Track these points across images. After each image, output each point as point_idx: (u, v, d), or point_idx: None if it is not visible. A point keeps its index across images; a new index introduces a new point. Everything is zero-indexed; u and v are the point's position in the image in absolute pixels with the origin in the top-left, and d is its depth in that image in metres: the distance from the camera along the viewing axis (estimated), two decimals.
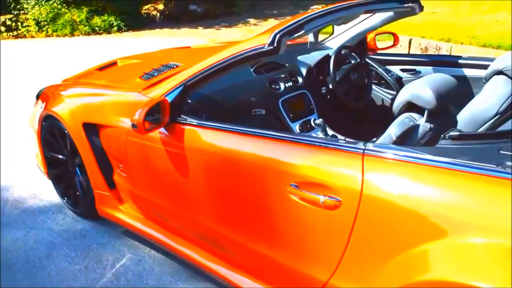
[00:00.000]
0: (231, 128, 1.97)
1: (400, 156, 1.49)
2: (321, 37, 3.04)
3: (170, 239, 2.42)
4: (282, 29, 1.87)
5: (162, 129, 2.19)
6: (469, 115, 2.12)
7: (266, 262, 1.95)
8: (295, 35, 1.93)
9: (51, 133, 3.02)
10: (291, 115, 2.71)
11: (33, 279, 2.52)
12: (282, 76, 2.78)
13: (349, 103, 2.83)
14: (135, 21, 11.41)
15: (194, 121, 2.12)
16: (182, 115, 2.17)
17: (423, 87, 1.76)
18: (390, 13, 2.72)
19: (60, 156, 3.04)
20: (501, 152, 1.42)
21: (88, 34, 10.92)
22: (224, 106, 2.48)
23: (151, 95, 2.30)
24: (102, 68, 3.42)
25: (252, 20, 11.54)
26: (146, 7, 12.23)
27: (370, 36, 3.22)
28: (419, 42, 7.13)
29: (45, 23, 10.97)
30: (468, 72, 2.74)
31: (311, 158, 1.68)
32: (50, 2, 11.07)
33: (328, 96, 2.87)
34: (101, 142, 2.66)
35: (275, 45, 1.85)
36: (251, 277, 2.05)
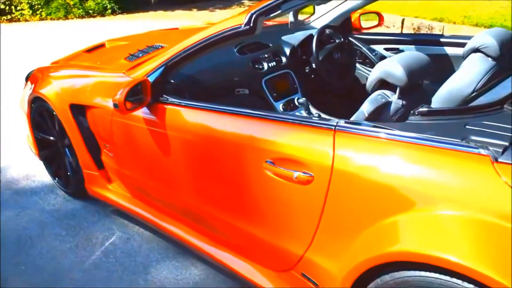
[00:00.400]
0: (210, 107, 2.01)
1: (370, 132, 1.53)
2: (303, 16, 3.06)
3: (156, 217, 2.49)
4: (258, 9, 1.90)
5: (145, 109, 2.23)
6: (447, 93, 2.16)
7: (245, 237, 2.01)
8: (272, 15, 1.96)
9: (40, 115, 3.06)
10: (274, 94, 2.75)
11: (24, 256, 2.59)
12: (266, 56, 2.81)
13: (332, 82, 2.86)
14: (129, 3, 11.36)
15: (176, 101, 2.16)
16: (164, 95, 2.21)
17: (394, 65, 1.79)
18: None
19: (50, 138, 3.09)
20: (467, 127, 1.47)
21: (82, 17, 10.89)
22: (207, 86, 2.51)
23: (134, 75, 2.34)
24: (90, 50, 3.44)
25: (246, 2, 11.49)
26: None
27: (354, 16, 3.25)
28: (412, 22, 7.13)
29: (39, 6, 10.94)
30: (450, 50, 2.77)
31: (286, 135, 1.72)
32: None
33: (312, 76, 2.91)
34: (88, 123, 2.70)
35: (251, 25, 1.88)
36: (232, 252, 2.12)
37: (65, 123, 2.79)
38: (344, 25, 3.17)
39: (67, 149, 2.99)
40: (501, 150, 1.30)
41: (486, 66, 2.18)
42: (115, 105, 2.09)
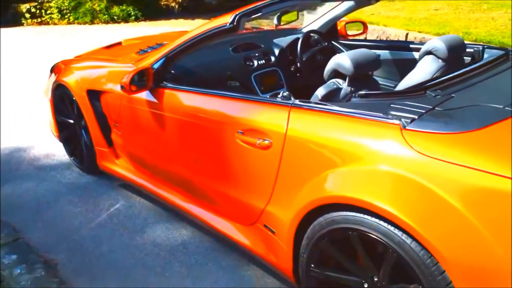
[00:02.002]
0: (198, 90, 2.46)
1: (316, 108, 1.95)
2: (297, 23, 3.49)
3: (154, 186, 2.92)
4: (242, 11, 2.34)
5: (147, 93, 2.68)
6: (402, 87, 2.56)
7: (222, 197, 2.42)
8: (253, 16, 2.39)
9: (62, 100, 3.54)
10: (262, 87, 3.17)
11: (41, 216, 3.05)
12: (257, 54, 3.25)
13: (314, 79, 3.26)
14: (152, 11, 11.95)
15: (172, 86, 2.60)
16: (164, 82, 2.65)
17: (344, 58, 2.21)
18: (351, 3, 3.16)
19: (69, 120, 3.56)
20: (391, 105, 1.86)
21: (107, 22, 11.50)
22: (203, 77, 2.95)
23: (140, 65, 2.79)
24: (108, 46, 3.94)
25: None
26: None
27: (340, 24, 3.66)
28: (415, 36, 7.49)
29: (67, 11, 11.58)
30: (417, 54, 3.15)
31: (254, 111, 2.15)
32: None
33: (297, 74, 3.33)
34: (101, 106, 3.16)
35: (235, 23, 2.31)
36: (213, 212, 2.53)
37: (82, 107, 3.26)
38: (330, 31, 3.59)
39: (83, 130, 3.45)
40: (409, 121, 1.69)
41: (436, 66, 2.57)
42: (122, 87, 2.55)
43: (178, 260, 2.57)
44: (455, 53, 2.54)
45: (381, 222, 1.63)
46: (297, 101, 2.02)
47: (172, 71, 2.80)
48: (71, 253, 2.66)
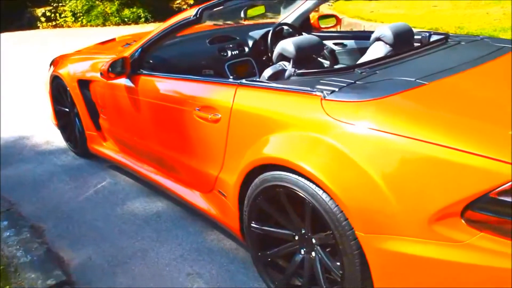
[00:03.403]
0: (165, 75, 2.77)
1: (258, 85, 2.24)
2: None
3: (134, 164, 3.24)
4: (205, 5, 2.64)
5: (126, 80, 2.99)
6: None
7: (186, 169, 2.73)
8: (215, 9, 2.69)
9: (58, 90, 3.90)
10: (234, 75, 3.46)
11: (36, 192, 3.41)
12: (231, 46, 3.55)
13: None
14: (162, 13, 12.37)
15: (146, 72, 2.92)
16: (141, 70, 2.97)
17: (288, 43, 2.49)
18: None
19: (65, 109, 3.91)
20: (320, 81, 2.12)
21: (118, 24, 11.96)
22: (179, 66, 3.25)
23: (118, 55, 3.11)
24: (103, 42, 4.29)
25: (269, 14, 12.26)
26: (178, 1, 13.20)
27: (314, 18, 3.94)
28: None
29: (80, 14, 12.09)
30: None
31: (208, 90, 2.46)
32: None
33: (270, 63, 3.60)
34: (90, 94, 3.50)
35: (198, 16, 2.61)
36: (180, 183, 2.83)
37: (74, 95, 3.60)
38: (304, 24, 3.86)
39: (76, 117, 3.79)
40: (330, 92, 1.95)
41: (383, 50, 2.82)
42: (101, 74, 2.87)
43: (151, 227, 2.88)
44: (401, 39, 2.79)
45: (300, 178, 1.91)
46: (243, 80, 2.31)
47: (151, 61, 3.12)
48: (58, 221, 3.01)
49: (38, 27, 11.95)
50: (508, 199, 1.49)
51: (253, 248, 2.27)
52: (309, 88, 2.02)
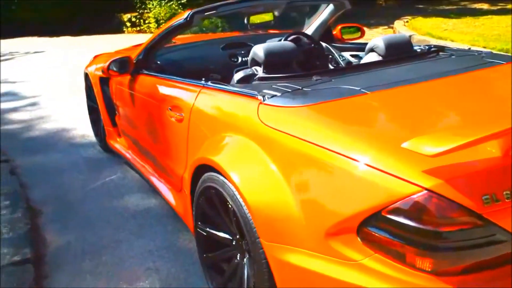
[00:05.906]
0: (156, 74, 2.88)
1: (218, 87, 2.26)
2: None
3: (135, 161, 3.38)
4: (197, 9, 2.72)
5: (130, 78, 3.15)
6: None
7: (165, 168, 2.80)
8: (207, 14, 2.76)
9: (88, 87, 4.18)
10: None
11: (54, 178, 3.70)
12: (242, 52, 3.58)
13: None
14: (238, 25, 12.72)
15: (146, 72, 3.04)
16: (143, 70, 3.10)
17: (259, 49, 2.48)
18: (331, 8, 3.40)
19: (94, 104, 4.18)
20: (272, 86, 2.09)
21: (197, 32, 12.45)
22: (187, 68, 3.35)
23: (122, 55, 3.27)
24: (138, 45, 4.52)
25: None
26: None
27: (336, 29, 3.86)
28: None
29: (163, 21, 12.76)
30: None
31: (178, 91, 2.53)
32: (169, 3, 12.85)
33: None
34: (110, 91, 3.72)
35: (188, 19, 2.70)
36: (164, 182, 2.91)
37: (96, 92, 3.84)
38: (325, 36, 3.80)
39: (100, 113, 4.04)
40: (270, 97, 1.93)
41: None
42: (102, 71, 3.05)
43: (136, 221, 2.99)
44: (395, 50, 2.67)
45: (226, 180, 1.89)
46: (209, 83, 2.34)
47: (158, 62, 3.25)
48: (58, 207, 3.23)
49: (123, 32, 12.80)
50: (398, 218, 1.38)
51: (198, 249, 2.28)
52: (252, 92, 2.00)
